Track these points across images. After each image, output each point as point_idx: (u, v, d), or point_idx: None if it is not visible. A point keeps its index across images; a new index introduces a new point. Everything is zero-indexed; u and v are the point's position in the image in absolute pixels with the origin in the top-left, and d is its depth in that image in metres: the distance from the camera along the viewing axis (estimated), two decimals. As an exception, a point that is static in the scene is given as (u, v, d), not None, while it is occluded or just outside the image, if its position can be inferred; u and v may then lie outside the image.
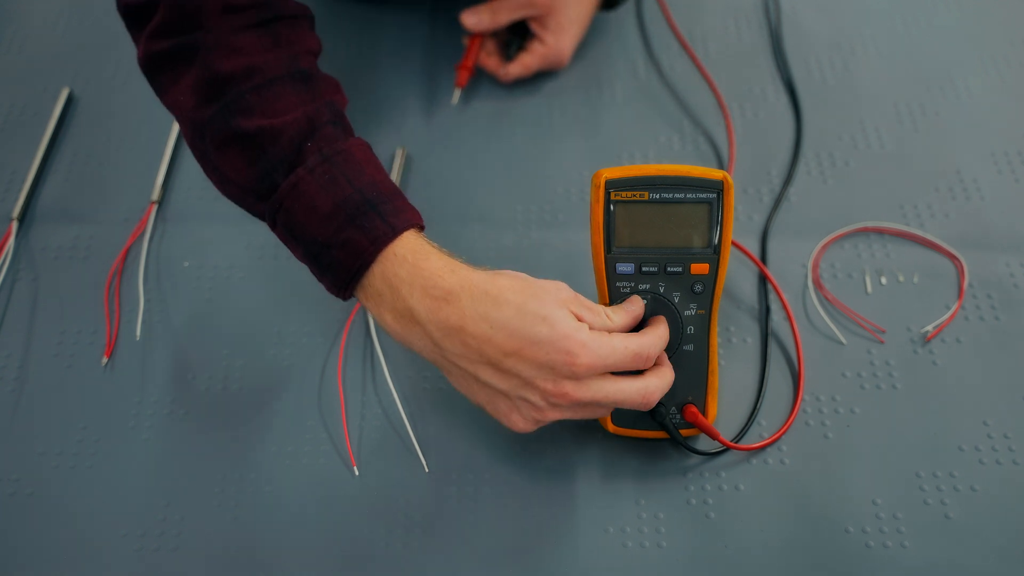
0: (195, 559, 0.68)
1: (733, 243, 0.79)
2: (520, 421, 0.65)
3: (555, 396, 0.62)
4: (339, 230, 0.65)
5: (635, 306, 0.67)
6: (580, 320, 0.63)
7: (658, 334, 0.66)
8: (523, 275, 0.65)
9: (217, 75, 0.67)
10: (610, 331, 0.64)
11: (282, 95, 0.68)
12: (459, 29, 0.96)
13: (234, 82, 0.67)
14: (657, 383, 0.65)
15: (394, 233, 0.65)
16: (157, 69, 0.70)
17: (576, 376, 0.62)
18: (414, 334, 0.65)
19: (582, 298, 0.65)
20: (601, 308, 0.65)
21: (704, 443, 0.73)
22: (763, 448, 0.73)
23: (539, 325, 0.61)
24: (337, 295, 0.67)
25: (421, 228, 0.68)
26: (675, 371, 0.70)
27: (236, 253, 0.84)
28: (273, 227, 0.68)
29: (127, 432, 0.74)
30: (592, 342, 0.62)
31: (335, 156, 0.67)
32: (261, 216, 0.69)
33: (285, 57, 0.69)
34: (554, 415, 0.64)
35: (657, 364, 0.67)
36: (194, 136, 0.70)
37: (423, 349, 0.65)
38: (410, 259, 0.64)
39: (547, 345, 0.61)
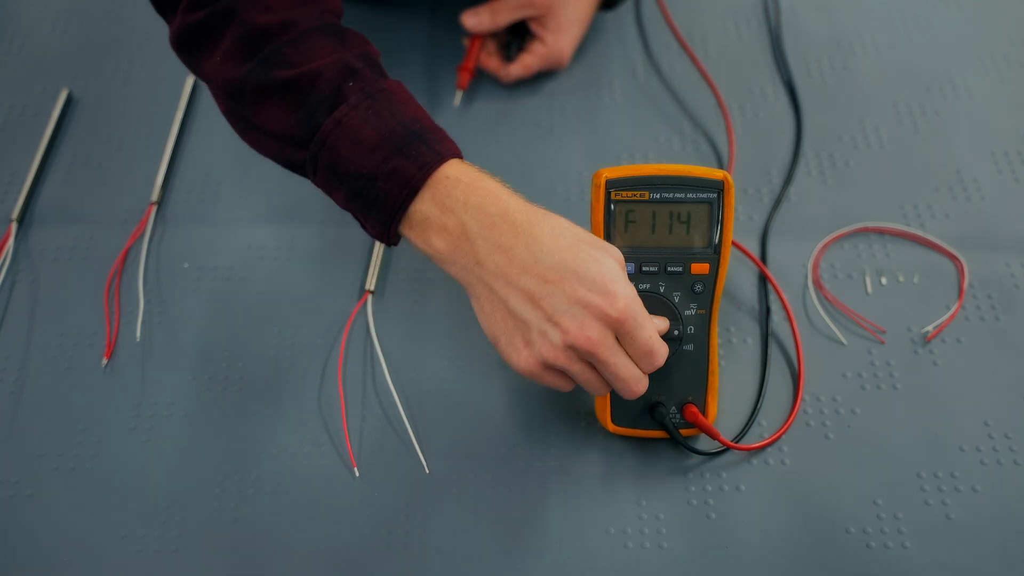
0: (195, 560, 0.68)
1: (733, 243, 0.79)
2: (527, 357, 0.63)
3: (575, 338, 0.61)
4: (386, 161, 0.64)
5: (663, 324, 0.68)
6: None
7: (666, 350, 0.66)
8: None
9: (254, 30, 0.68)
10: None
11: (316, 46, 0.68)
12: (459, 30, 0.96)
13: (270, 36, 0.68)
14: (645, 384, 0.65)
15: (441, 159, 0.65)
16: (193, 42, 0.71)
17: (606, 321, 0.61)
18: (461, 251, 0.64)
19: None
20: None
21: (704, 443, 0.73)
22: (763, 448, 0.72)
23: (591, 263, 0.61)
24: (382, 236, 0.67)
25: (460, 155, 0.68)
26: (675, 371, 0.70)
27: (236, 254, 0.84)
28: (315, 174, 0.68)
29: (127, 433, 0.74)
30: (633, 301, 0.62)
31: (377, 94, 0.67)
32: (302, 165, 0.69)
33: (315, 12, 0.70)
34: (563, 361, 0.63)
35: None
36: (231, 100, 0.70)
37: (464, 267, 0.64)
38: (464, 180, 0.64)
39: (590, 283, 0.61)
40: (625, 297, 0.61)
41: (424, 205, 0.64)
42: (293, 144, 0.68)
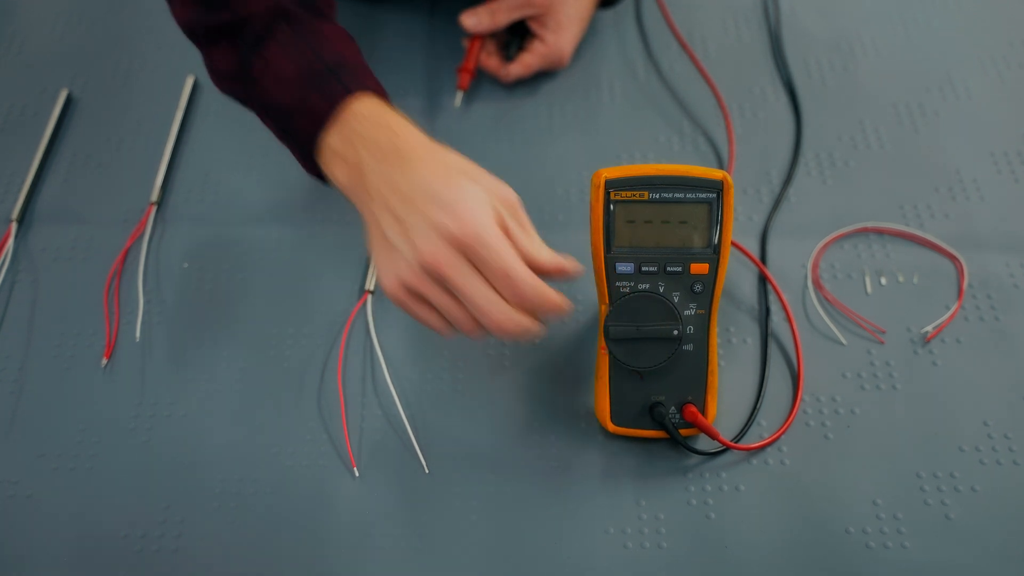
0: (195, 560, 0.68)
1: (733, 243, 0.79)
2: (392, 279, 0.64)
3: (424, 257, 0.61)
4: (302, 96, 0.69)
5: (569, 261, 0.65)
6: (504, 224, 0.62)
7: (557, 300, 0.63)
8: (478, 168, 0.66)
9: None
10: (526, 254, 0.63)
11: None
12: (459, 28, 0.96)
13: None
14: (522, 324, 0.62)
15: (349, 94, 0.68)
16: None
17: (452, 241, 0.60)
18: (357, 183, 0.66)
19: (521, 212, 0.65)
20: (535, 234, 0.65)
21: (704, 443, 0.73)
22: (763, 448, 0.73)
23: (453, 188, 0.62)
24: (308, 170, 0.71)
25: (381, 91, 0.70)
26: (675, 371, 0.70)
27: (235, 253, 0.84)
28: (255, 111, 0.74)
29: (127, 433, 0.74)
30: (484, 225, 0.61)
31: (307, 34, 0.71)
32: (236, 96, 0.74)
33: None
34: (419, 283, 0.62)
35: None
36: (195, 43, 0.75)
37: (360, 199, 0.66)
38: (369, 116, 0.67)
39: (444, 204, 0.61)
40: (473, 220, 0.61)
41: (332, 139, 0.68)
42: (238, 83, 0.73)
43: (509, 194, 0.64)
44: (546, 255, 0.64)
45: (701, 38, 1.02)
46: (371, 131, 0.66)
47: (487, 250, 0.61)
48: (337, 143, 0.67)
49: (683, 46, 1.00)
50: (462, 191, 0.62)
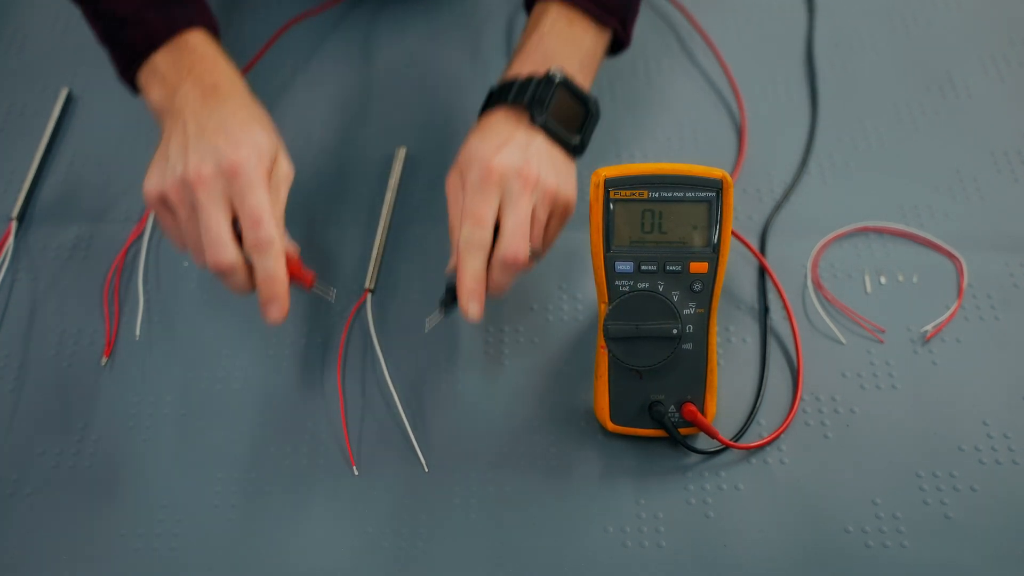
0: (195, 559, 0.68)
1: (734, 235, 0.79)
2: (154, 182, 0.68)
3: (190, 172, 0.66)
4: (141, 10, 0.74)
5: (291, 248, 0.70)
6: (268, 177, 0.68)
7: (280, 277, 0.67)
8: (266, 123, 0.72)
9: None
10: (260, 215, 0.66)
11: None
12: (459, 28, 0.96)
13: None
14: (227, 255, 0.66)
15: (189, 24, 0.74)
16: None
17: (221, 167, 0.65)
18: (167, 103, 0.72)
19: (286, 186, 0.70)
20: (281, 209, 0.69)
21: (703, 442, 0.73)
22: (762, 447, 0.73)
23: (245, 129, 0.68)
24: (122, 76, 0.76)
25: (215, 29, 0.77)
26: (674, 370, 0.70)
27: (236, 253, 0.84)
28: (80, 4, 0.77)
29: (126, 432, 0.74)
30: (254, 166, 0.66)
31: None
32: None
33: None
34: (174, 194, 0.67)
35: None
36: None
37: (165, 116, 0.72)
38: (199, 50, 0.73)
39: (230, 137, 0.67)
40: (248, 156, 0.66)
41: (160, 60, 0.73)
42: None
43: (288, 167, 0.71)
44: (276, 225, 0.67)
45: (701, 38, 1.02)
46: (198, 65, 0.72)
47: (249, 188, 0.66)
48: (164, 66, 0.73)
49: (682, 46, 1.00)
50: (250, 133, 0.68)
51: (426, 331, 0.73)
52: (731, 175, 0.77)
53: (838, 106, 0.95)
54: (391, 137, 0.92)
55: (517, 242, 0.68)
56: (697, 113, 0.95)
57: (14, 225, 0.86)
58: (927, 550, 0.67)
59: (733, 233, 0.74)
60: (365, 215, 0.87)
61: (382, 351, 0.78)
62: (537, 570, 0.67)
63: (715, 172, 0.67)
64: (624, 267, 0.68)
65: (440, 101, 0.96)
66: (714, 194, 0.67)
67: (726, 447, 0.72)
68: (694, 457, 0.72)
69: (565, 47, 0.77)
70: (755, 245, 0.85)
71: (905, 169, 0.90)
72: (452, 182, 0.73)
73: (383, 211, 0.86)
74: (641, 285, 0.68)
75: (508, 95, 0.74)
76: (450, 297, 0.71)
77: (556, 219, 0.74)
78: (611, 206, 0.67)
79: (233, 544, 0.68)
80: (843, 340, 0.78)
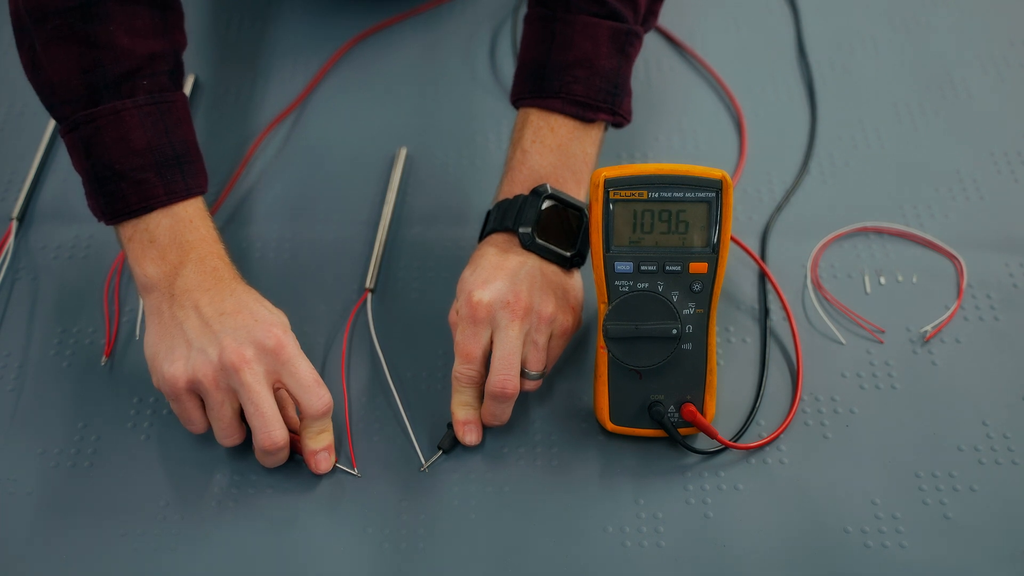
0: (195, 559, 0.68)
1: (733, 239, 0.79)
2: (181, 368, 0.67)
3: (230, 354, 0.65)
4: (141, 170, 0.70)
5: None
6: None
7: (328, 396, 0.69)
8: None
9: None
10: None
11: (139, 16, 0.71)
12: (458, 27, 0.96)
13: None
14: (281, 435, 0.67)
15: (188, 194, 0.71)
16: None
17: (262, 348, 0.66)
18: (166, 281, 0.70)
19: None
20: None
21: (703, 442, 0.73)
22: (762, 447, 0.73)
23: (265, 310, 0.69)
24: (99, 217, 0.72)
25: (205, 189, 0.74)
26: (674, 370, 0.70)
27: (235, 253, 0.84)
28: (68, 133, 0.71)
29: (126, 431, 0.74)
30: (291, 342, 0.68)
31: (163, 103, 0.71)
32: (59, 116, 0.72)
33: None
34: (210, 380, 0.66)
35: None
36: (30, 18, 0.70)
37: (161, 293, 0.70)
38: (200, 227, 0.71)
39: (259, 317, 0.68)
40: (284, 332, 0.68)
41: (156, 225, 0.70)
42: (63, 96, 0.70)
43: (287, 329, 0.70)
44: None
45: (701, 38, 1.02)
46: (199, 246, 0.70)
47: (295, 358, 0.67)
48: (162, 236, 0.70)
49: (683, 46, 1.00)
50: (269, 311, 0.69)
51: (422, 470, 0.72)
52: (731, 176, 0.77)
53: (838, 106, 0.95)
54: (391, 137, 0.92)
55: (503, 376, 0.69)
56: (697, 114, 0.95)
57: (14, 225, 0.86)
58: (926, 550, 0.67)
59: (732, 238, 0.74)
60: (365, 215, 0.87)
61: (382, 350, 0.78)
62: (536, 570, 0.67)
63: (715, 172, 0.67)
64: (624, 267, 0.68)
65: (441, 101, 0.96)
66: (714, 194, 0.67)
67: (725, 447, 0.72)
68: (693, 457, 0.72)
69: (551, 157, 0.75)
70: (755, 246, 0.85)
71: (905, 169, 0.90)
72: (452, 315, 0.73)
73: (383, 211, 0.86)
74: (641, 285, 0.68)
75: (498, 220, 0.74)
76: (450, 433, 0.73)
77: (557, 339, 0.73)
78: (611, 206, 0.67)
79: (233, 544, 0.68)
80: (843, 340, 0.78)
